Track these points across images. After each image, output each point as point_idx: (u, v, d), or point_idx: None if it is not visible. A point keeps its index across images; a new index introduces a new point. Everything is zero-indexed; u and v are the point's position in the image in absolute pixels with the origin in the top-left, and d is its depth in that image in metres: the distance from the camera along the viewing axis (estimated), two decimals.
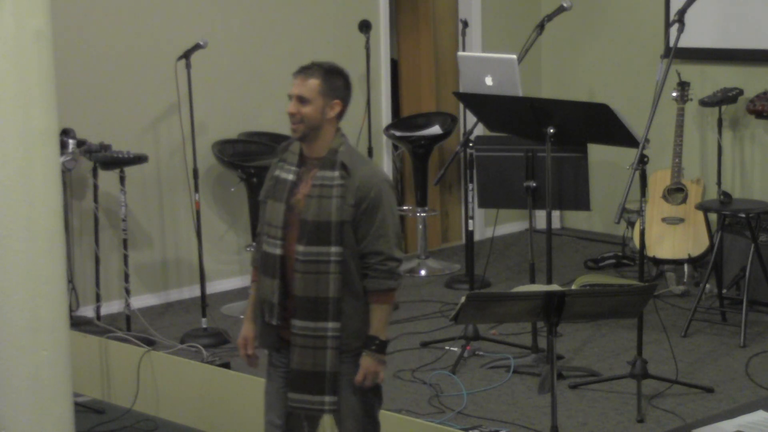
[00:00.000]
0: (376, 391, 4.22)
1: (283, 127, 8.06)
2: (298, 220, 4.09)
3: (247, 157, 7.27)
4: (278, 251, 4.11)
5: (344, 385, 4.12)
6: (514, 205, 6.24)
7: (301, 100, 4.08)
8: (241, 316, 7.16)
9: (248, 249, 7.40)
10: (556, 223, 9.10)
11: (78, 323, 6.49)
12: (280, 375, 4.22)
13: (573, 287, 5.21)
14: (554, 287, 4.37)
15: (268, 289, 4.15)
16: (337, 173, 4.06)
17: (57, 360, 4.56)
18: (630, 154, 5.74)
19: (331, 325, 4.06)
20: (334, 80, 4.13)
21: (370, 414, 4.21)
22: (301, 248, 4.06)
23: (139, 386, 5.81)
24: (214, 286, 7.48)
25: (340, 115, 4.15)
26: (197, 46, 6.86)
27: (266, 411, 4.28)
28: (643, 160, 5.62)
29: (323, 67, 4.14)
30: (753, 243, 6.66)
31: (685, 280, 7.54)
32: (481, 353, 6.39)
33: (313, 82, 4.09)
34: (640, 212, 5.76)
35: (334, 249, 4.04)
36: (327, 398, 4.10)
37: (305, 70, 4.12)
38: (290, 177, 4.14)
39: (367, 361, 4.09)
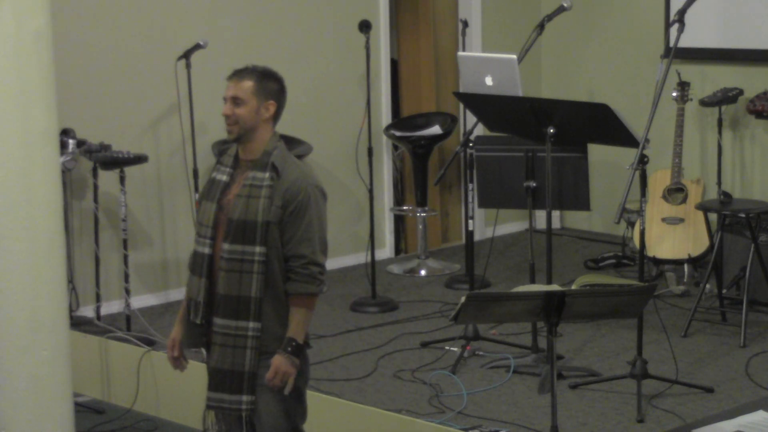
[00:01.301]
0: (297, 400, 4.19)
1: (283, 128, 8.08)
2: (226, 219, 4.11)
3: None
4: (207, 250, 4.13)
5: (262, 388, 4.10)
6: (514, 205, 6.23)
7: (236, 101, 4.11)
8: None
9: None
10: (556, 223, 9.10)
11: (78, 323, 6.49)
12: None
13: (573, 287, 5.21)
14: (554, 287, 4.36)
15: (194, 288, 4.16)
16: (267, 174, 4.08)
17: (57, 360, 4.56)
18: (630, 154, 5.74)
19: (252, 324, 4.06)
20: (268, 82, 4.15)
21: (291, 423, 4.18)
22: (226, 246, 4.08)
23: (139, 386, 5.82)
24: None
25: (275, 117, 4.18)
26: (197, 46, 6.86)
27: None
28: (643, 160, 5.62)
29: (257, 70, 4.16)
30: (753, 243, 6.66)
31: (685, 280, 7.54)
32: (481, 353, 6.39)
33: (247, 84, 4.11)
34: (640, 212, 5.76)
35: (258, 249, 4.04)
36: (244, 398, 4.09)
37: (239, 73, 4.15)
38: (224, 178, 4.17)
39: (279, 361, 4.07)
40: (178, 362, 4.32)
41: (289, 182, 4.07)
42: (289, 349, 4.08)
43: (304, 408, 4.23)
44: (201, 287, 4.14)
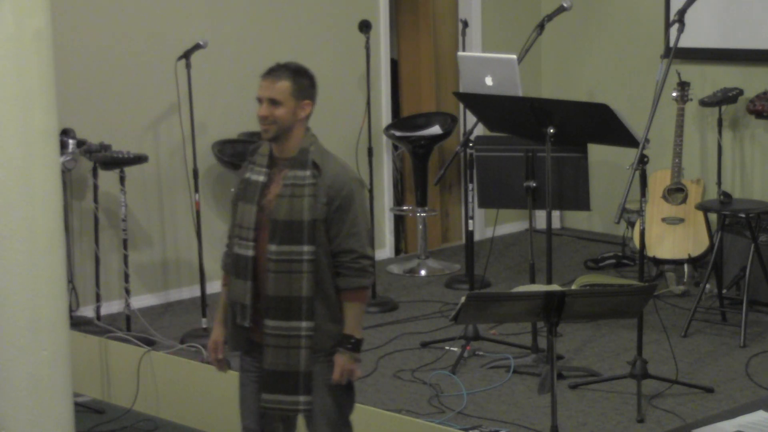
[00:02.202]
0: (349, 392, 4.22)
1: None
2: (269, 220, 4.09)
3: None
4: (250, 252, 4.12)
5: (317, 385, 4.12)
6: (514, 205, 6.23)
7: (273, 102, 4.09)
8: None
9: None
10: (556, 223, 9.10)
11: (78, 323, 6.49)
12: (252, 379, 4.22)
13: (573, 287, 5.21)
14: (554, 287, 4.37)
15: (239, 291, 4.15)
16: (308, 172, 4.07)
17: (57, 360, 4.56)
18: (630, 154, 5.74)
19: (304, 324, 4.06)
20: (303, 80, 4.15)
21: (343, 415, 4.21)
22: (273, 248, 4.07)
23: (139, 386, 5.82)
24: (214, 286, 7.46)
25: (309, 115, 4.17)
26: (197, 46, 6.85)
27: (242, 417, 4.29)
28: (643, 160, 5.62)
29: (290, 68, 4.14)
30: (753, 243, 6.66)
31: (685, 280, 7.54)
32: (481, 353, 6.39)
33: (284, 84, 4.10)
34: (640, 212, 5.76)
35: (306, 248, 4.04)
36: (301, 398, 4.10)
37: (273, 72, 4.12)
38: (261, 178, 4.15)
39: (342, 359, 4.10)
40: (223, 364, 4.32)
41: (331, 178, 4.07)
42: (349, 345, 4.11)
43: (353, 398, 4.26)
44: (247, 290, 4.12)
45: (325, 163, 4.09)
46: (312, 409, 4.14)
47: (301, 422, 4.31)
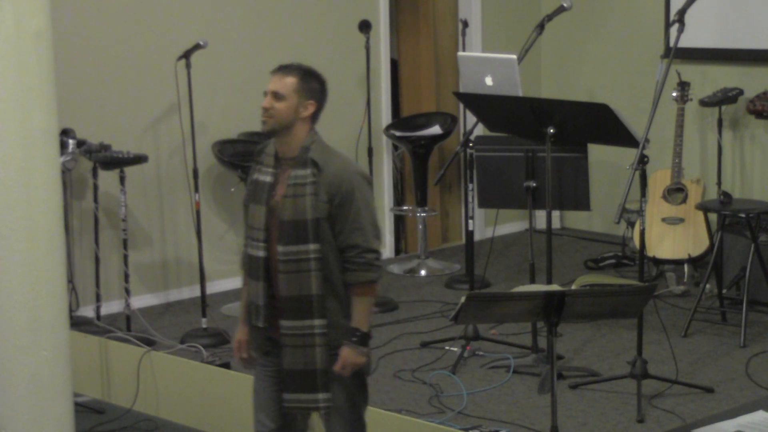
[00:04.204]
0: (362, 390, 4.24)
1: None
2: (278, 221, 4.11)
3: (247, 157, 7.26)
4: (261, 253, 4.14)
5: (333, 382, 4.13)
6: (514, 205, 6.23)
7: (276, 96, 4.12)
8: None
9: None
10: (556, 223, 9.10)
11: (78, 323, 6.49)
12: (267, 374, 4.24)
13: (573, 287, 5.21)
14: (554, 287, 4.36)
15: (253, 292, 4.17)
16: (309, 171, 4.09)
17: (57, 360, 4.55)
18: (630, 154, 5.74)
19: (317, 322, 4.08)
20: (311, 81, 4.17)
21: (356, 412, 4.22)
22: (281, 248, 4.09)
23: (139, 386, 5.81)
24: (214, 286, 7.48)
25: (314, 117, 4.19)
26: (197, 46, 6.86)
27: (255, 410, 4.31)
28: (643, 160, 5.62)
29: (302, 68, 4.18)
30: (753, 243, 6.66)
31: (685, 280, 7.54)
32: (481, 353, 6.39)
33: (290, 80, 4.13)
34: (640, 212, 5.76)
35: (312, 246, 4.06)
36: (320, 395, 4.12)
37: (283, 69, 4.17)
38: (268, 179, 4.18)
39: (346, 352, 4.10)
40: (249, 362, 4.32)
41: (331, 175, 4.08)
42: (354, 339, 4.11)
43: (366, 395, 4.27)
44: (260, 290, 4.15)
45: (326, 161, 4.11)
46: (329, 406, 4.15)
47: (314, 419, 4.32)
